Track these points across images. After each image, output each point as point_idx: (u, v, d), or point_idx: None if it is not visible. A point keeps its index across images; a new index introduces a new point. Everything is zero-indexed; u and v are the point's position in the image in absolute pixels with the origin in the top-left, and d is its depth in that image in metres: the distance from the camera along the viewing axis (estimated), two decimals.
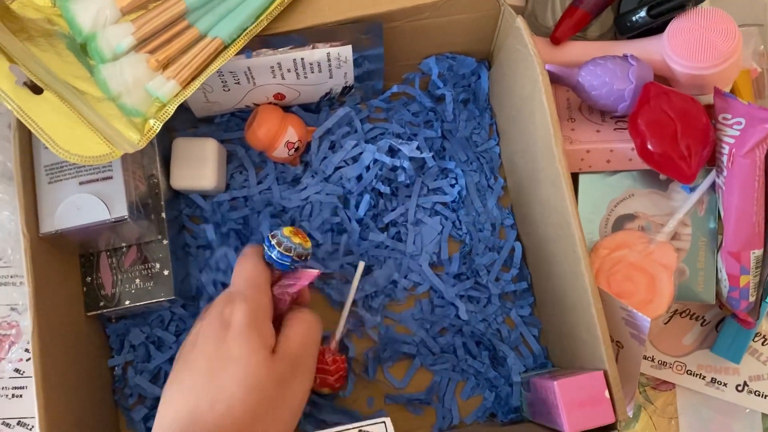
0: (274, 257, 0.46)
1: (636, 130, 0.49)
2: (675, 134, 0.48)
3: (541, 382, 0.47)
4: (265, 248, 0.46)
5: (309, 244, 0.47)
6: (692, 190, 0.53)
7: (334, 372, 0.52)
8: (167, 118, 0.45)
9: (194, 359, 0.40)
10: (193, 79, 0.46)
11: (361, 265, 0.53)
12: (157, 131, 0.45)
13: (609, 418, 0.43)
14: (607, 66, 0.50)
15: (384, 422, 0.43)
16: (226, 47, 0.47)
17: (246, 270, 0.45)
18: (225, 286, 0.54)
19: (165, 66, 0.46)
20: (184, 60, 0.46)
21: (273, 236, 0.46)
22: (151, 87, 0.45)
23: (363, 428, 0.43)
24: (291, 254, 0.45)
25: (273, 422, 0.39)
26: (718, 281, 0.53)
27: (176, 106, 0.45)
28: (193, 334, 0.43)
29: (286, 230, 0.46)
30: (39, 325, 0.45)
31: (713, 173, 0.53)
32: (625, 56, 0.51)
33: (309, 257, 0.47)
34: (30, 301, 0.45)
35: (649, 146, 0.48)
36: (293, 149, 0.56)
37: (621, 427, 0.44)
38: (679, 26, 0.52)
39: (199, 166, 0.54)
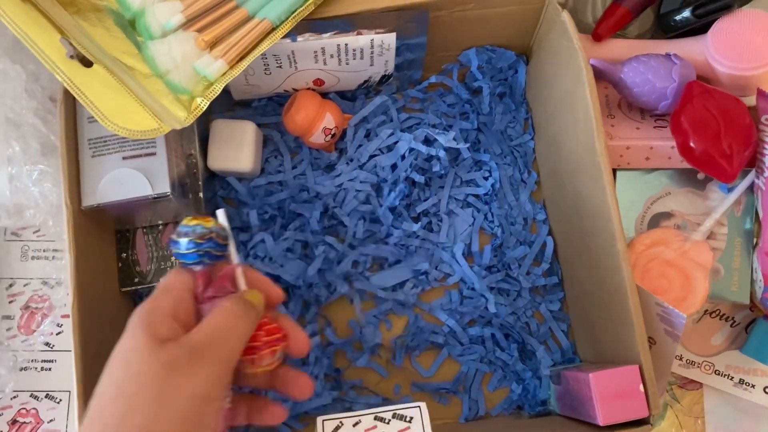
0: (181, 250, 0.37)
1: (678, 127, 0.49)
2: (718, 133, 0.48)
3: (574, 375, 0.47)
4: (172, 248, 0.39)
5: (210, 222, 0.38)
6: (730, 190, 0.53)
7: (262, 347, 0.39)
8: (214, 97, 0.45)
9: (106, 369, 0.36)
10: (241, 59, 0.46)
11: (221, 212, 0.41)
12: (204, 109, 0.45)
13: (642, 412, 0.44)
14: (651, 63, 0.50)
15: (419, 407, 0.43)
16: (273, 29, 0.47)
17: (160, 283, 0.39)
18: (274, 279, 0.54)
19: (212, 45, 0.46)
20: (231, 40, 0.46)
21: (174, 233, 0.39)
22: (198, 65, 0.46)
23: (398, 411, 0.44)
24: (190, 237, 0.37)
25: (160, 411, 0.33)
26: (752, 282, 0.53)
27: (223, 85, 0.46)
28: None
29: (186, 219, 0.38)
30: (78, 297, 0.45)
31: (751, 174, 0.53)
32: (668, 55, 0.51)
33: (221, 238, 0.38)
34: (70, 273, 0.45)
35: (692, 144, 0.48)
36: (330, 135, 0.56)
37: (654, 421, 0.44)
38: (723, 27, 0.52)
39: (237, 148, 0.55)
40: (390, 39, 0.51)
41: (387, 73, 0.56)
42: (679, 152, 0.50)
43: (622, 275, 0.45)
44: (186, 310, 0.36)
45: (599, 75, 0.51)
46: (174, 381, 0.33)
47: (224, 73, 0.46)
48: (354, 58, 0.53)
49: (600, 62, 0.51)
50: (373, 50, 0.52)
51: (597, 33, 0.56)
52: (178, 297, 0.37)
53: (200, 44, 0.46)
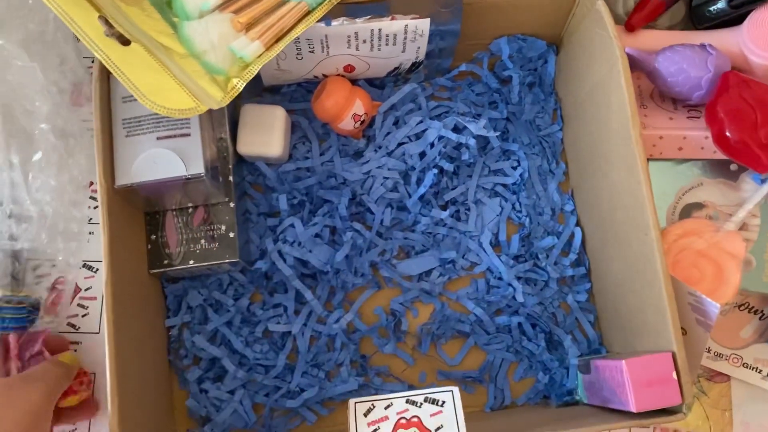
0: None
1: (714, 117, 0.49)
2: (754, 123, 0.48)
3: (606, 363, 0.47)
4: None
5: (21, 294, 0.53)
6: (763, 181, 0.53)
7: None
8: (250, 78, 0.45)
9: None
10: (277, 41, 0.46)
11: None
12: (240, 90, 0.45)
13: (676, 400, 0.43)
14: (686, 53, 0.50)
15: (452, 391, 0.43)
16: (310, 11, 0.47)
17: None
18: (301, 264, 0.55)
19: (249, 27, 0.46)
20: (268, 22, 0.46)
21: None
22: (235, 46, 0.45)
23: (430, 395, 0.43)
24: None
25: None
26: None
27: (259, 67, 0.46)
28: None
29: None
30: (112, 276, 0.45)
31: None
32: (703, 45, 0.51)
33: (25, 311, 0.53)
34: (104, 253, 0.45)
35: (728, 133, 0.48)
36: (359, 122, 0.56)
37: (686, 409, 0.43)
38: (759, 18, 0.51)
39: (267, 134, 0.54)
40: (424, 25, 0.51)
41: (418, 61, 0.56)
42: (714, 142, 0.50)
43: (655, 264, 0.45)
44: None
45: (633, 65, 0.51)
46: (12, 395, 0.44)
47: (260, 55, 0.46)
48: (387, 44, 0.53)
49: (635, 51, 0.50)
50: (407, 36, 0.52)
51: (630, 23, 0.56)
52: None
53: (236, 26, 0.46)
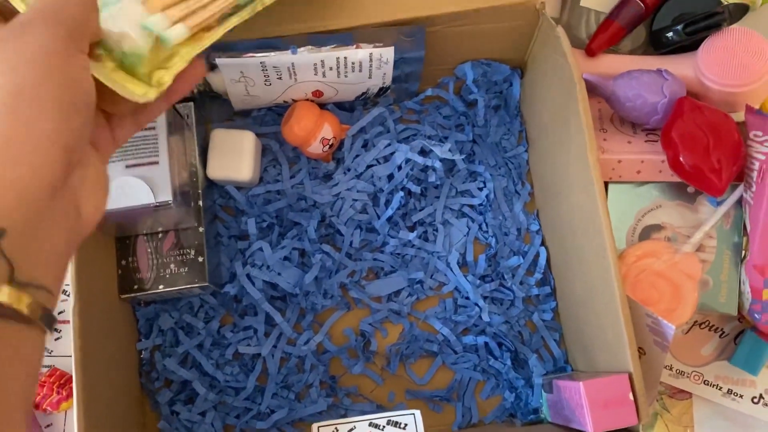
0: None
1: (669, 142, 0.50)
2: (707, 148, 0.49)
3: (566, 384, 0.48)
4: None
5: None
6: (719, 203, 0.55)
7: None
8: (178, 69, 0.40)
9: None
10: (209, 30, 0.42)
11: None
12: (168, 83, 0.39)
13: (632, 420, 0.45)
14: (642, 79, 0.52)
15: (414, 414, 0.44)
16: (240, 5, 0.43)
17: None
18: (270, 287, 0.56)
19: (166, 8, 0.40)
20: (191, 3, 0.41)
21: None
22: (151, 24, 0.39)
23: (392, 418, 0.44)
24: None
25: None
26: (740, 294, 0.54)
27: (188, 60, 0.40)
28: None
29: None
30: (80, 303, 0.46)
31: (740, 188, 0.54)
32: (659, 71, 0.53)
33: None
34: (72, 279, 0.46)
35: (681, 159, 0.50)
36: (328, 146, 0.57)
37: (643, 429, 0.45)
38: (713, 45, 0.53)
39: (236, 158, 0.55)
40: (388, 53, 0.52)
41: (385, 86, 0.58)
42: (670, 166, 0.51)
43: (612, 286, 0.46)
44: None
45: (592, 89, 0.53)
46: (23, 39, 0.29)
47: (187, 42, 0.41)
48: (353, 71, 0.54)
49: (592, 77, 0.52)
50: (372, 63, 0.53)
51: (590, 48, 0.57)
52: None
53: (151, 6, 0.39)
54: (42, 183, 0.28)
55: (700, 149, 0.49)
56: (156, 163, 0.49)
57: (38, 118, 0.28)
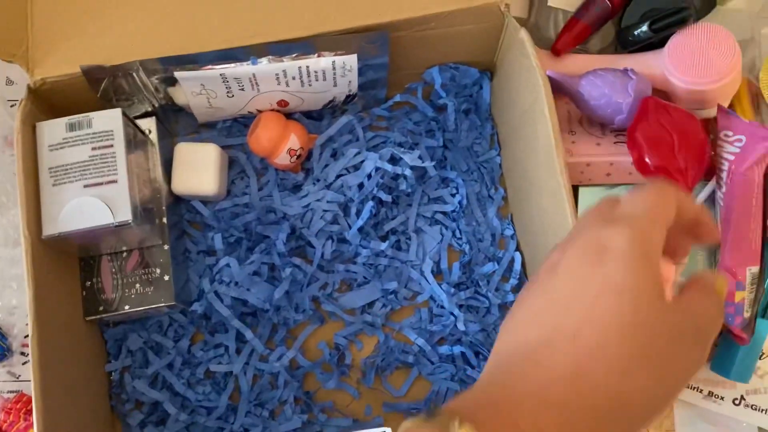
0: None
1: (634, 143, 0.50)
2: (672, 148, 0.49)
3: None
4: None
5: None
6: None
7: None
8: None
9: (552, 282, 0.31)
10: None
11: None
12: None
13: None
14: (608, 78, 0.51)
15: (384, 431, 0.43)
16: None
17: (650, 199, 0.31)
18: (240, 303, 0.55)
19: None
20: None
21: None
22: None
23: None
24: None
25: (651, 386, 0.29)
26: None
27: None
28: (551, 262, 0.32)
29: None
30: (39, 328, 0.44)
31: (708, 187, 0.53)
32: (625, 70, 0.52)
33: None
34: (29, 305, 0.44)
35: (647, 159, 0.49)
36: (295, 156, 0.56)
37: None
38: (679, 42, 0.52)
39: (201, 172, 0.54)
40: (351, 60, 0.51)
41: (351, 93, 0.57)
42: (636, 167, 0.50)
43: None
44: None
45: (557, 88, 0.52)
46: (675, 353, 0.29)
47: None
48: (316, 80, 0.53)
49: (557, 74, 0.51)
50: (335, 71, 0.52)
51: (556, 48, 0.57)
52: (664, 235, 0.31)
53: None
54: None
55: (665, 149, 0.49)
56: (115, 181, 0.47)
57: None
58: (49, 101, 0.51)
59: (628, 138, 0.50)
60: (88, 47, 0.50)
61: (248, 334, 0.54)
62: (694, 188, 0.51)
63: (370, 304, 0.57)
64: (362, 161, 0.57)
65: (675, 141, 0.48)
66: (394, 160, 0.57)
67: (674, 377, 0.29)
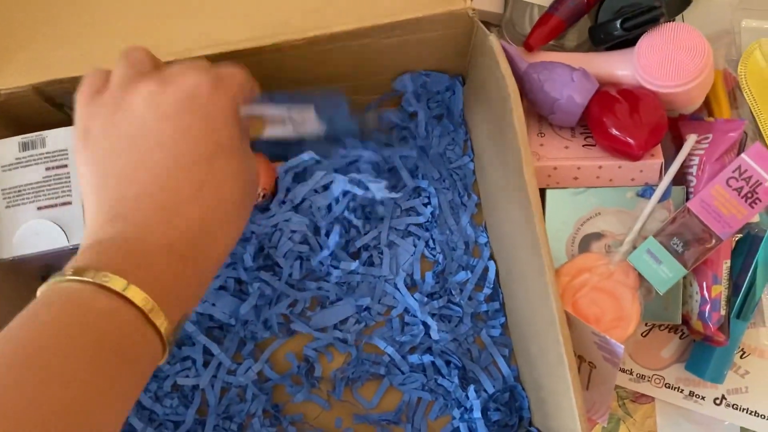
0: None
1: (591, 118, 0.51)
2: (629, 111, 0.49)
3: None
4: None
5: None
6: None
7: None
8: None
9: (125, 131, 0.36)
10: None
11: None
12: None
13: None
14: (553, 73, 0.51)
15: None
16: None
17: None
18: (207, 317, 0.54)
19: None
20: None
21: None
22: None
23: None
24: None
25: (248, 207, 0.38)
26: (689, 299, 0.53)
27: None
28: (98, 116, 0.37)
29: None
30: None
31: (666, 180, 0.51)
32: (572, 71, 0.51)
33: None
34: None
35: (605, 121, 0.50)
36: (260, 198, 0.54)
37: None
38: (648, 44, 0.51)
39: None
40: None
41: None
42: (598, 144, 0.52)
43: (551, 306, 0.44)
44: None
45: (510, 59, 0.51)
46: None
47: None
48: None
49: (510, 47, 0.51)
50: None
51: (528, 43, 0.55)
52: None
53: None
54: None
55: (623, 112, 0.49)
56: (69, 203, 0.47)
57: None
58: (6, 113, 0.49)
59: (588, 120, 0.51)
60: (45, 58, 0.49)
61: (215, 349, 0.53)
62: (647, 150, 0.51)
63: (343, 321, 0.56)
64: (330, 182, 0.55)
65: (631, 105, 0.49)
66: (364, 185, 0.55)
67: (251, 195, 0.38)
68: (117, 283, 0.31)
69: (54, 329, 0.29)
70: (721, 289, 0.51)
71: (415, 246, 0.57)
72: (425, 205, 0.58)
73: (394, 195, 0.54)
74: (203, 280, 0.36)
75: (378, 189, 0.53)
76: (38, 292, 0.32)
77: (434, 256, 0.57)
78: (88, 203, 0.36)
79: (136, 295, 0.31)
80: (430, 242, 0.58)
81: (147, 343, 0.32)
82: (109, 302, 0.31)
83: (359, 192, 0.54)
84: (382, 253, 0.57)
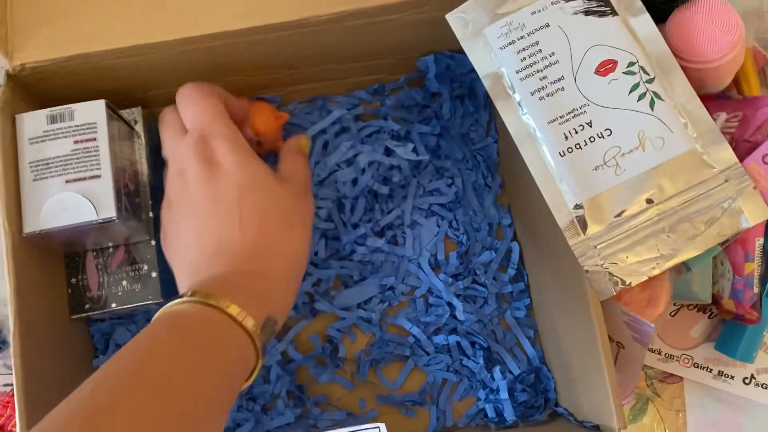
0: None
1: None
2: None
3: None
4: None
5: None
6: None
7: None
8: None
9: (192, 204, 0.41)
10: None
11: None
12: None
13: None
14: None
15: (378, 427, 0.42)
16: None
17: (200, 105, 0.44)
18: None
19: None
20: None
21: None
22: None
23: (356, 431, 0.42)
24: None
25: (299, 234, 0.42)
26: (720, 278, 0.52)
27: None
28: (172, 193, 0.44)
29: None
30: (20, 326, 0.44)
31: None
32: None
33: None
34: (11, 302, 0.44)
35: None
36: (255, 144, 0.53)
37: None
38: (680, 18, 0.50)
39: None
40: None
41: None
42: None
43: (584, 284, 0.44)
44: None
45: None
46: (301, 206, 0.43)
47: None
48: None
49: None
50: None
51: None
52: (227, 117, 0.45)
53: None
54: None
55: None
56: (98, 176, 0.46)
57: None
58: (30, 88, 0.49)
59: None
60: (68, 33, 0.48)
61: None
62: None
63: (367, 301, 0.56)
64: (356, 155, 0.55)
65: None
66: (388, 151, 0.56)
67: (298, 226, 0.42)
68: (233, 309, 0.37)
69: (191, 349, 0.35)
70: (753, 267, 0.50)
71: (438, 226, 0.57)
72: (449, 185, 0.57)
73: (421, 156, 0.54)
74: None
75: (404, 151, 0.53)
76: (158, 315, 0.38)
77: (458, 236, 0.57)
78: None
79: (248, 320, 0.37)
80: (454, 223, 0.57)
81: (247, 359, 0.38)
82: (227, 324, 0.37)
83: (385, 161, 0.53)
84: (405, 233, 0.56)
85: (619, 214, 0.42)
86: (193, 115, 0.44)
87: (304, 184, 0.45)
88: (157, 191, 0.53)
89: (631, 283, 0.42)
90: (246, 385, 0.38)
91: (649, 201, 0.42)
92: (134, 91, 0.53)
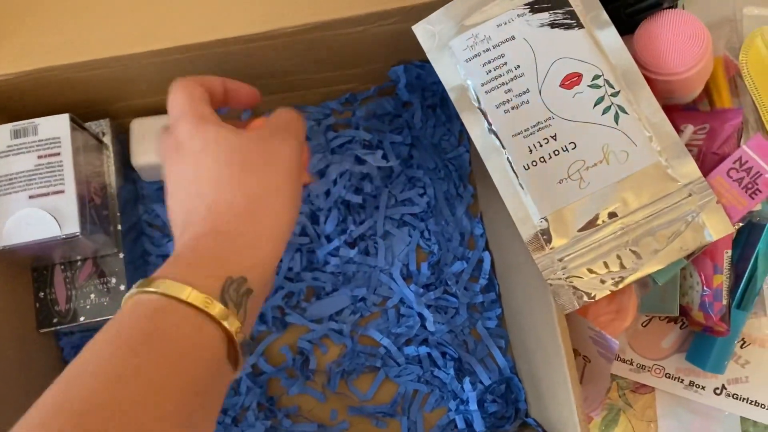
0: None
1: None
2: None
3: None
4: None
5: None
6: None
7: None
8: None
9: (168, 189, 0.39)
10: None
11: None
12: None
13: None
14: None
15: None
16: None
17: (171, 99, 0.41)
18: None
19: None
20: None
21: None
22: None
23: None
24: None
25: (264, 175, 0.39)
26: (689, 290, 0.52)
27: None
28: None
29: None
30: None
31: None
32: None
33: None
34: None
35: None
36: None
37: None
38: (647, 30, 0.50)
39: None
40: None
41: None
42: None
43: (549, 298, 0.44)
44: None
45: None
46: (266, 148, 0.39)
47: None
48: None
49: None
50: None
51: None
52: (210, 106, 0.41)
53: None
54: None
55: None
56: (62, 192, 0.46)
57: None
58: None
59: None
60: (32, 46, 0.48)
61: None
62: None
63: (339, 312, 0.56)
64: (327, 166, 0.55)
65: None
66: (359, 161, 0.55)
67: (260, 168, 0.38)
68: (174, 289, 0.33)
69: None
70: (722, 279, 0.50)
71: (410, 236, 0.57)
72: (421, 195, 0.57)
73: (392, 162, 0.54)
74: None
75: (375, 159, 0.53)
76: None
77: (429, 246, 0.57)
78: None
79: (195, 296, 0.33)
80: (425, 233, 0.57)
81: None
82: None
83: (356, 169, 0.53)
84: (377, 244, 0.56)
85: (583, 228, 0.42)
86: (168, 111, 0.42)
87: (276, 125, 0.41)
88: (127, 203, 0.53)
89: (595, 296, 0.42)
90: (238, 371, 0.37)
91: (613, 215, 0.42)
92: (101, 103, 0.53)
